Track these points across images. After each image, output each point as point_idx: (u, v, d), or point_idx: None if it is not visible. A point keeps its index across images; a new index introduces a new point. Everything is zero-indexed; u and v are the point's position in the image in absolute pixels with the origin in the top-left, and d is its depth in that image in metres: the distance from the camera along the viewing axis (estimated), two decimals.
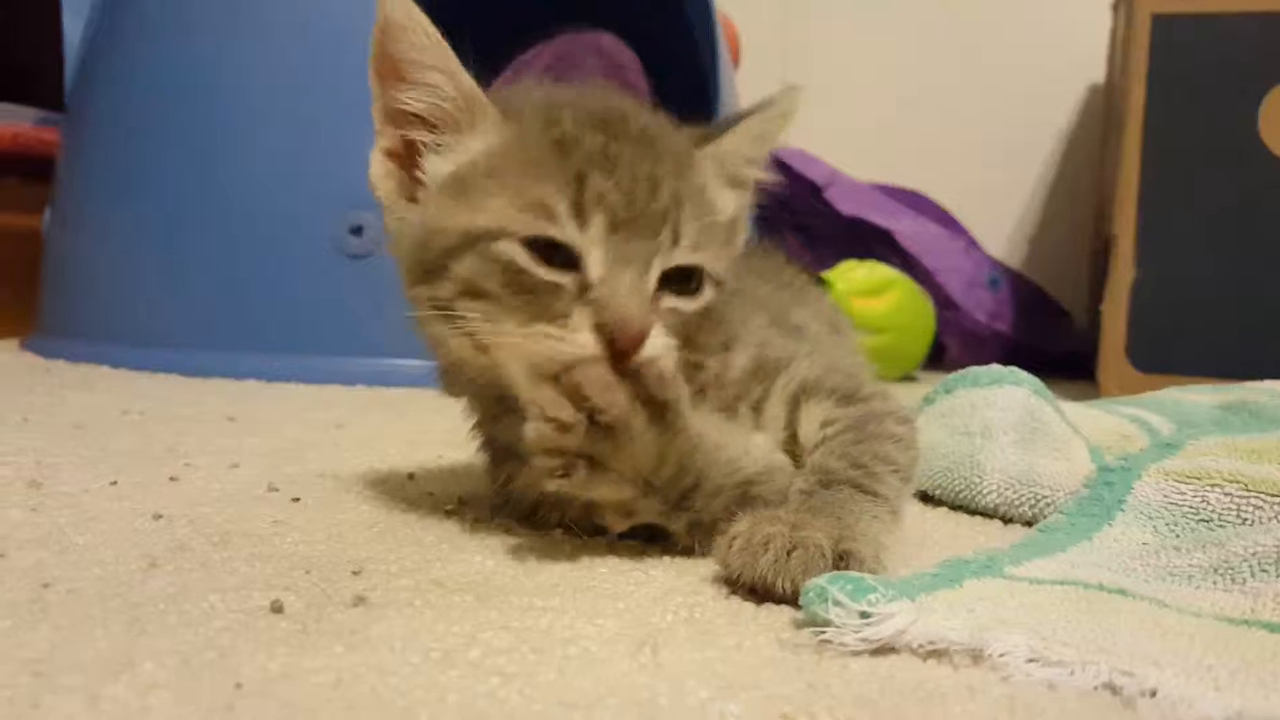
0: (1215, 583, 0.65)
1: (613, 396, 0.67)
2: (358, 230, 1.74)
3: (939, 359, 2.56)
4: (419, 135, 0.78)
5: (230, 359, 1.74)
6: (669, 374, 0.69)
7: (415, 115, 0.77)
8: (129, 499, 0.85)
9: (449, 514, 0.84)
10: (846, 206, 2.59)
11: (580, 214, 0.70)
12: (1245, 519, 0.76)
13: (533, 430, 0.67)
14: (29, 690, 0.46)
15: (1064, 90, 2.99)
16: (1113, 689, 0.49)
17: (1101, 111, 2.87)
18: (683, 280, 0.74)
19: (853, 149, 2.77)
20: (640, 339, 0.68)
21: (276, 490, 0.90)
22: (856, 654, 0.53)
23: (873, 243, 2.60)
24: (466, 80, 0.76)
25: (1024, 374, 1.04)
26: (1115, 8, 2.56)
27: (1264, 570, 0.64)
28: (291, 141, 1.79)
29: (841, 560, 0.63)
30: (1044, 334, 2.64)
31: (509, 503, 0.82)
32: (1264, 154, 1.82)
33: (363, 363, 1.74)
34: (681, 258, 0.73)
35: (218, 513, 0.81)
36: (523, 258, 0.70)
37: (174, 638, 0.53)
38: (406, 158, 0.79)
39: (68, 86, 2.05)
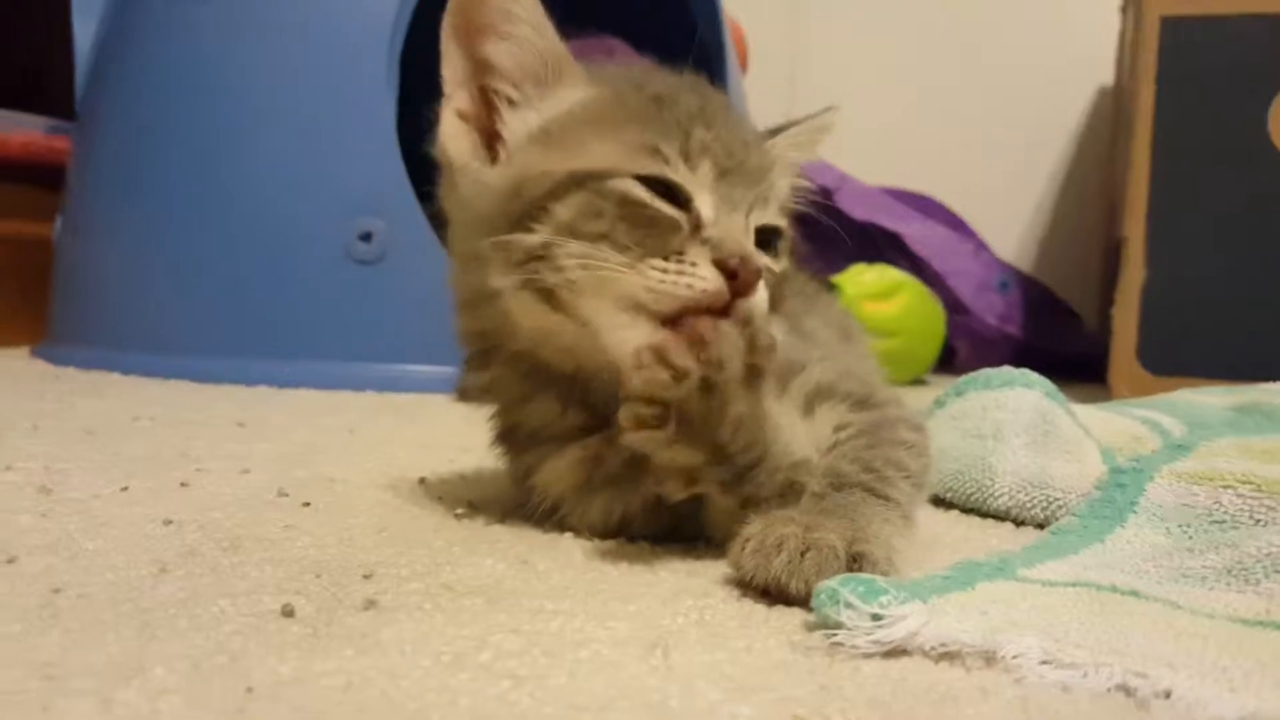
0: (1229, 584, 0.65)
1: (735, 357, 0.67)
2: (366, 236, 1.74)
3: (949, 362, 2.56)
4: (505, 88, 0.79)
5: (240, 365, 1.75)
6: (771, 340, 0.69)
7: (499, 70, 0.78)
8: (140, 504, 0.85)
9: (459, 518, 0.84)
10: (856, 210, 2.59)
11: (688, 159, 0.73)
12: (1259, 520, 0.76)
13: (643, 376, 0.66)
14: (40, 694, 0.46)
15: (1073, 92, 2.98)
16: (1127, 691, 0.49)
17: (1110, 114, 2.86)
18: (768, 242, 0.77)
19: (861, 153, 2.76)
20: (759, 275, 0.70)
21: (287, 495, 0.90)
22: (869, 656, 0.53)
23: (882, 246, 2.60)
24: (554, 35, 0.78)
25: (1035, 376, 1.04)
26: (1123, 10, 2.55)
27: (1277, 571, 0.64)
28: (301, 149, 1.80)
29: (855, 562, 0.63)
30: (1054, 336, 2.63)
31: (528, 500, 0.82)
32: (1274, 155, 1.81)
33: (372, 368, 1.74)
34: (771, 218, 0.77)
35: (228, 518, 0.81)
36: (641, 192, 0.72)
37: (185, 642, 0.53)
38: (484, 116, 0.80)
39: (78, 96, 2.06)
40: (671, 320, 0.69)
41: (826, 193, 2.59)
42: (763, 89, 2.79)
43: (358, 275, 1.76)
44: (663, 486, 0.72)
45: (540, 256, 0.72)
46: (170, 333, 1.85)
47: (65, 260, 2.08)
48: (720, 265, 0.69)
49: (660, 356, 0.66)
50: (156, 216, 1.87)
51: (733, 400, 0.68)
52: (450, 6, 0.77)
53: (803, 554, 0.62)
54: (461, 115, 0.80)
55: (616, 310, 0.71)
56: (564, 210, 0.72)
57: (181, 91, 1.87)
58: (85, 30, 2.04)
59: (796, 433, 0.76)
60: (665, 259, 0.70)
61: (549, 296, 0.73)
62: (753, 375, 0.69)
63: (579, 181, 0.72)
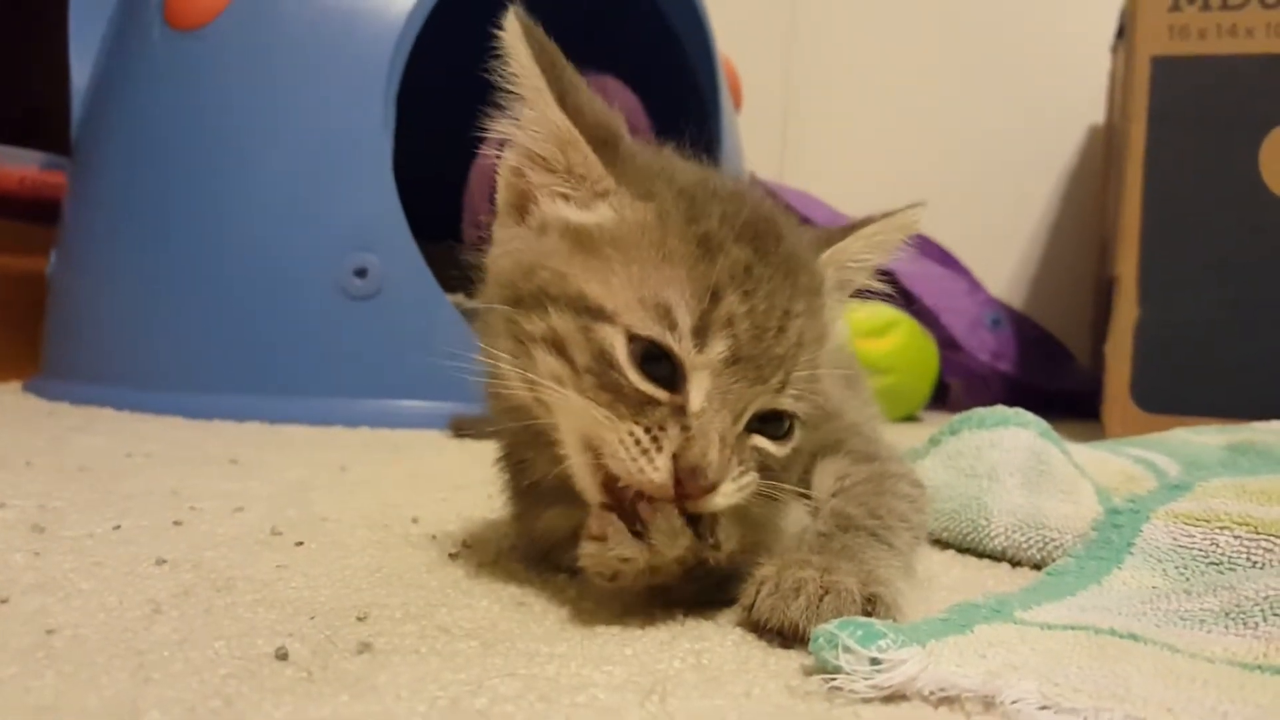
0: (1227, 627, 0.65)
1: (677, 541, 0.65)
2: (361, 272, 1.74)
3: (942, 399, 2.56)
4: (530, 170, 0.73)
5: (233, 401, 1.74)
6: (726, 531, 0.67)
7: (540, 162, 0.73)
8: (133, 543, 0.84)
9: (453, 558, 0.84)
10: None
11: (703, 334, 0.65)
12: (1256, 562, 0.76)
13: (591, 559, 0.65)
14: None
15: (1064, 131, 3.00)
16: None
17: (1101, 152, 2.88)
18: (775, 421, 0.70)
19: (853, 190, 2.78)
20: (709, 489, 0.64)
21: (280, 534, 0.90)
22: (867, 701, 0.53)
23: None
24: (594, 159, 0.71)
25: (1029, 415, 1.04)
26: (1114, 49, 2.58)
27: (1276, 614, 0.63)
28: (295, 184, 1.80)
29: (869, 604, 0.63)
30: (1047, 374, 2.63)
31: (526, 538, 0.81)
32: (1265, 194, 1.82)
33: (366, 404, 1.74)
34: (781, 404, 0.69)
35: (221, 557, 0.81)
36: (623, 356, 0.65)
37: (179, 685, 0.52)
38: (521, 175, 0.74)
39: (74, 131, 2.06)
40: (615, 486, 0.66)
41: None
42: (757, 126, 2.81)
43: (352, 311, 1.76)
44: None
45: (526, 348, 0.69)
46: (164, 368, 1.84)
47: (59, 295, 2.08)
48: (675, 463, 0.64)
49: (604, 541, 0.64)
50: (151, 252, 1.87)
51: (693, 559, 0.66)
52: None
53: (821, 598, 0.62)
54: (513, 169, 0.75)
55: (576, 440, 0.68)
56: (556, 323, 0.67)
57: (177, 128, 1.88)
58: (82, 66, 2.05)
59: (790, 519, 0.76)
60: (644, 428, 0.64)
61: (533, 389, 0.70)
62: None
63: (576, 308, 0.67)
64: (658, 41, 2.28)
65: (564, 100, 0.70)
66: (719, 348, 0.65)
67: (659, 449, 0.64)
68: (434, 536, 0.91)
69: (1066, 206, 3.03)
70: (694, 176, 0.74)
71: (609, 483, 0.66)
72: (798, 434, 0.72)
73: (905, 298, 2.56)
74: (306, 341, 1.78)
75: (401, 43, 1.80)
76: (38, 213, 2.34)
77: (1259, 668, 0.58)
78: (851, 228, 0.78)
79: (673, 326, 0.65)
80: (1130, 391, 1.87)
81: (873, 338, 2.29)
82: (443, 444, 1.59)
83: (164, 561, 0.78)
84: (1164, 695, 0.52)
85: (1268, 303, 1.82)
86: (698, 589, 0.69)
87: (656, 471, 0.64)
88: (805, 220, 2.46)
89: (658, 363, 0.66)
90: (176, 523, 0.93)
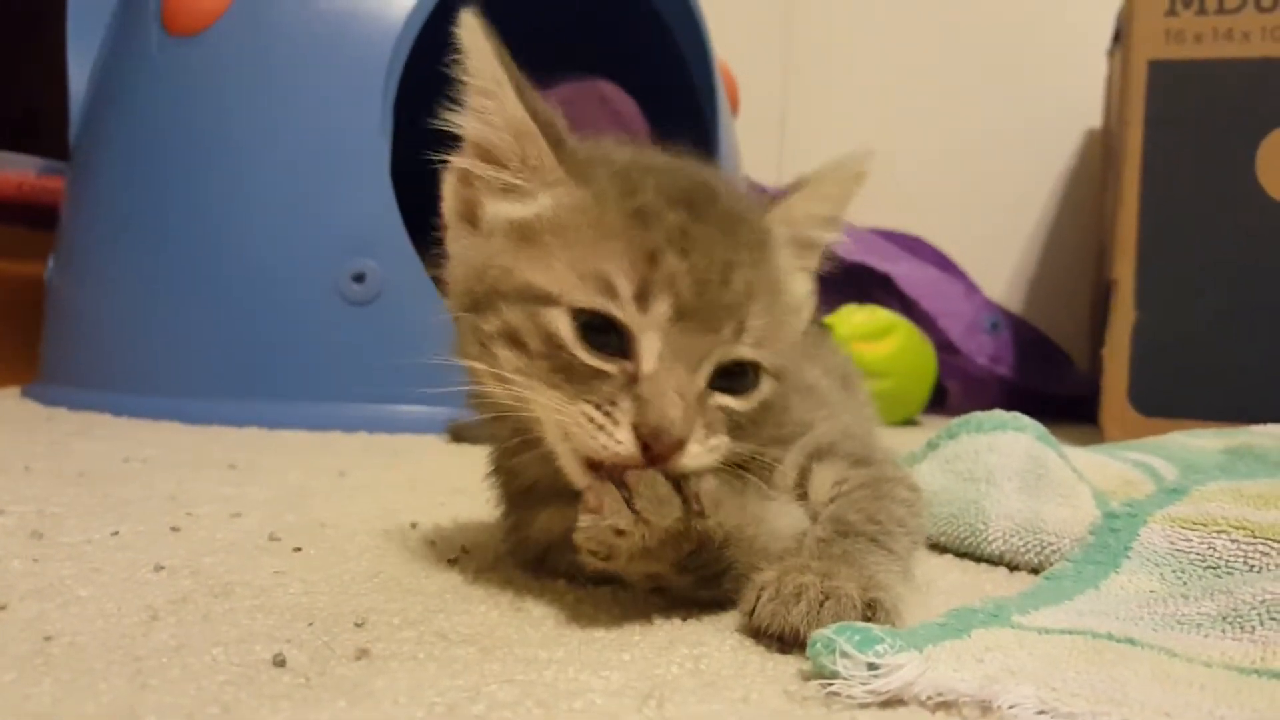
0: (1224, 631, 0.65)
1: (666, 509, 0.65)
2: (359, 277, 1.74)
3: (941, 403, 2.56)
4: (479, 168, 0.75)
5: (231, 406, 1.75)
6: (711, 497, 0.67)
7: (480, 148, 0.75)
8: (131, 549, 0.84)
9: (451, 563, 0.84)
10: (847, 252, 2.60)
11: (644, 296, 0.66)
12: (1253, 566, 0.76)
13: (585, 531, 0.65)
14: None
15: (1061, 135, 3.01)
16: None
17: (1099, 156, 2.89)
18: (739, 375, 0.71)
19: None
20: (677, 447, 0.66)
21: (278, 540, 0.90)
22: (865, 706, 0.53)
23: (872, 287, 2.61)
24: (537, 134, 0.73)
25: (1027, 420, 1.04)
26: (1111, 53, 2.58)
27: (1273, 618, 0.64)
28: (294, 189, 1.81)
29: (869, 609, 0.63)
30: (1045, 377, 2.64)
31: (520, 545, 0.82)
32: (1262, 197, 1.83)
33: (364, 409, 1.74)
34: (740, 352, 0.70)
35: (219, 563, 0.81)
36: (568, 334, 0.67)
37: (177, 692, 0.52)
38: (470, 187, 0.77)
39: (72, 135, 2.07)
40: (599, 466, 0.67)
41: None
42: (754, 131, 2.81)
43: (350, 316, 1.76)
44: (631, 583, 0.72)
45: (489, 347, 0.71)
46: (162, 373, 1.84)
47: (57, 300, 2.08)
48: (637, 430, 0.65)
49: (600, 512, 0.65)
50: (149, 257, 1.88)
51: (687, 535, 0.67)
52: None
53: (821, 603, 0.62)
54: (460, 176, 0.77)
55: (555, 430, 0.69)
56: (511, 316, 0.70)
57: (175, 133, 1.88)
58: (80, 71, 2.05)
59: (784, 522, 0.76)
60: (594, 405, 0.66)
61: (506, 381, 0.71)
62: (701, 512, 0.67)
63: (524, 297, 0.69)
64: (655, 47, 2.28)
65: (522, 94, 0.72)
66: (662, 307, 0.67)
67: (615, 422, 0.66)
68: (432, 542, 0.91)
69: (1064, 210, 3.04)
70: (628, 157, 0.76)
71: (594, 466, 0.68)
72: (765, 386, 0.73)
73: (903, 302, 2.57)
74: (304, 346, 1.78)
75: (399, 47, 1.80)
76: (36, 218, 2.34)
77: (1256, 672, 0.58)
78: (796, 185, 0.79)
79: (614, 295, 0.67)
80: (1128, 395, 1.88)
81: (871, 341, 2.29)
82: (441, 449, 1.59)
83: (162, 567, 0.78)
84: (1161, 700, 0.52)
85: (1265, 306, 1.83)
86: (692, 581, 0.69)
87: (620, 444, 0.65)
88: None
89: (606, 335, 0.68)
90: (174, 528, 0.93)
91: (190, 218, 1.84)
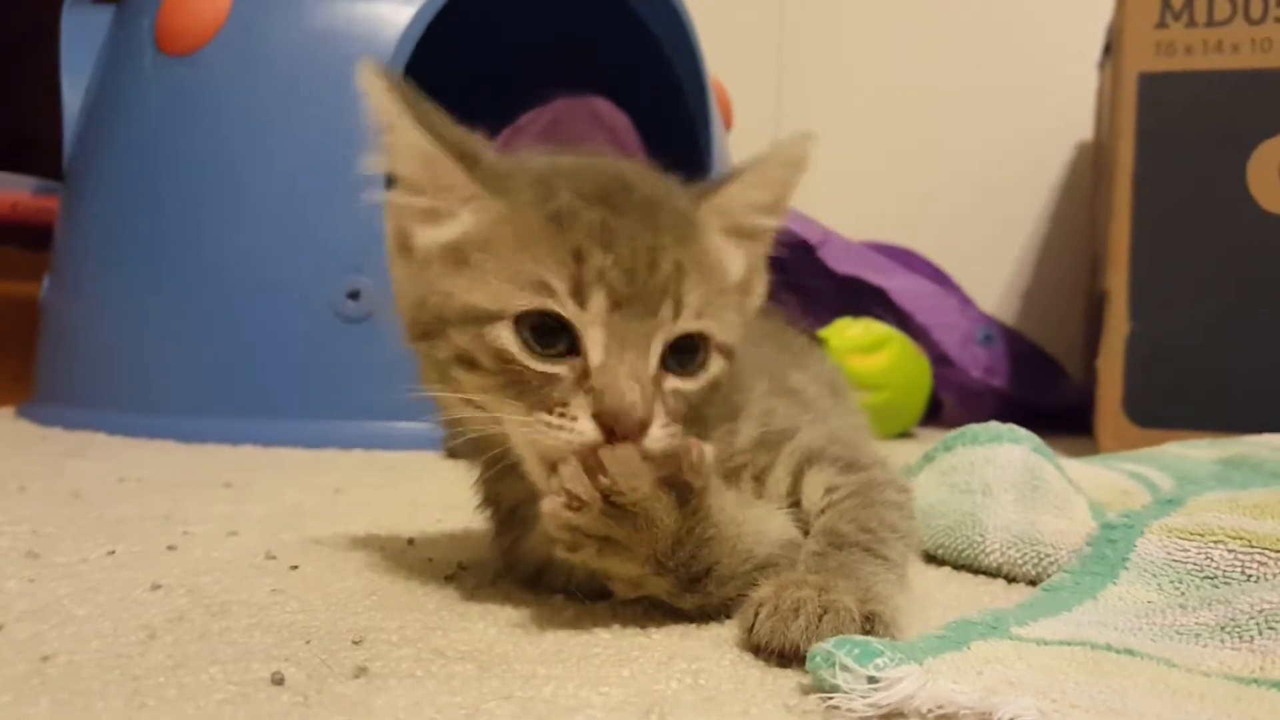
0: (1223, 641, 0.65)
1: (636, 480, 0.66)
2: (355, 294, 1.74)
3: (936, 415, 2.56)
4: (399, 198, 0.77)
5: (227, 425, 1.74)
6: (701, 462, 0.68)
7: (398, 178, 0.77)
8: (127, 568, 0.84)
9: (448, 580, 0.84)
10: (840, 265, 2.60)
11: (579, 292, 0.68)
12: (1250, 575, 0.76)
13: (548, 504, 0.67)
14: None
15: (1053, 148, 3.02)
16: None
17: (1090, 168, 2.90)
18: (688, 352, 0.72)
19: (845, 208, 2.79)
20: (640, 428, 0.67)
21: (275, 558, 0.90)
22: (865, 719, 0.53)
23: (866, 300, 2.61)
24: (443, 156, 0.74)
25: (1023, 431, 1.04)
26: (1101, 66, 2.59)
27: (1271, 627, 0.64)
28: (287, 206, 1.81)
29: (868, 622, 0.63)
30: (1040, 389, 2.64)
31: (514, 566, 0.82)
32: (1254, 208, 1.83)
33: (360, 426, 1.73)
34: (684, 326, 0.71)
35: (216, 582, 0.81)
36: (514, 346, 0.69)
37: (175, 711, 0.52)
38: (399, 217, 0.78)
39: (67, 155, 2.07)
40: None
41: (810, 248, 2.61)
42: (747, 146, 2.81)
43: (346, 333, 1.75)
44: (612, 588, 0.72)
45: (446, 372, 0.73)
46: (157, 392, 1.84)
47: (52, 320, 2.07)
48: (599, 419, 0.67)
49: (559, 486, 0.66)
50: (143, 276, 1.87)
51: (659, 520, 0.67)
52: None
53: (820, 617, 0.62)
54: (393, 211, 0.78)
55: (520, 441, 0.71)
56: (459, 339, 0.71)
57: (169, 152, 1.88)
58: (74, 91, 2.05)
59: (770, 524, 0.76)
60: (550, 411, 0.68)
61: (472, 401, 0.72)
62: (684, 496, 0.68)
63: (468, 319, 0.71)
64: (648, 63, 2.28)
65: (422, 121, 0.74)
66: (598, 300, 0.68)
67: (573, 419, 0.67)
68: (430, 559, 0.91)
69: (1056, 223, 3.04)
70: (543, 164, 0.78)
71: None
72: (714, 365, 0.74)
73: (897, 315, 2.57)
74: (300, 364, 1.77)
75: (394, 64, 1.80)
76: (30, 238, 2.34)
77: (1254, 681, 0.58)
78: (736, 172, 0.80)
79: (552, 293, 0.68)
80: (1122, 406, 1.88)
81: (865, 355, 2.29)
82: (438, 465, 1.59)
83: (158, 586, 0.78)
84: (1160, 710, 0.52)
85: (1258, 316, 1.83)
86: (674, 584, 0.69)
87: (581, 434, 0.67)
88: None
89: (554, 335, 0.69)
90: (170, 547, 0.92)
91: (185, 236, 1.84)
